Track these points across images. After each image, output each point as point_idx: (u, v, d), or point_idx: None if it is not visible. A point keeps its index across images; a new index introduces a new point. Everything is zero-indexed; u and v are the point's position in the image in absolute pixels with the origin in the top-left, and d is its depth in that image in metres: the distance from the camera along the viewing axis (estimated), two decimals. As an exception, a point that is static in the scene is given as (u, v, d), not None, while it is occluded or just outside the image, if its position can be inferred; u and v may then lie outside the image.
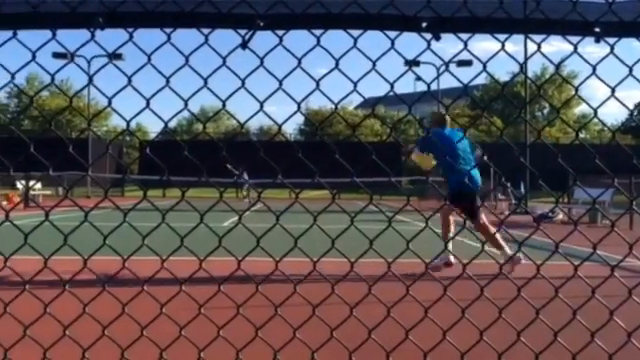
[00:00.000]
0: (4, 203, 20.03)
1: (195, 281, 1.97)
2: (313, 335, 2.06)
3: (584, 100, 2.01)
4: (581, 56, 1.89)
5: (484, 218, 6.55)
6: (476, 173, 6.72)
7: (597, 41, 1.84)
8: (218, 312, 2.09)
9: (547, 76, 46.97)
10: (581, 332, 2.01)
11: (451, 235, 6.65)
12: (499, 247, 6.41)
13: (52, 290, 1.91)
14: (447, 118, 7.16)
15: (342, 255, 1.95)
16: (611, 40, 1.88)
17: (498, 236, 6.46)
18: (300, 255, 1.96)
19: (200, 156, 2.05)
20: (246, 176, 27.28)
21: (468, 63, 27.56)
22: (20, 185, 22.89)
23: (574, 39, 1.92)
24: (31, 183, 22.17)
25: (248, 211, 2.19)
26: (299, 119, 51.33)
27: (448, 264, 6.53)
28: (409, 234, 1.86)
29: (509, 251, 6.28)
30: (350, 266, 1.88)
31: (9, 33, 1.76)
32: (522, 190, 21.66)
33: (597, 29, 1.86)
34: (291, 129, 52.31)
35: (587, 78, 1.88)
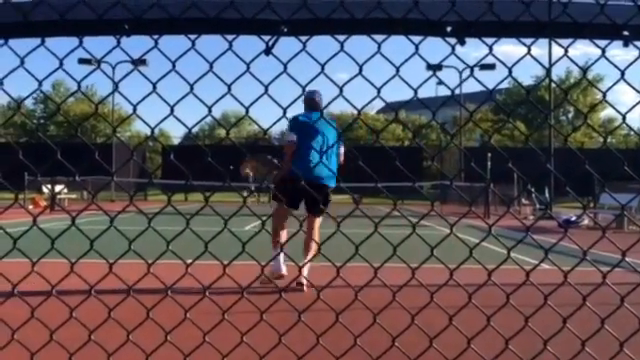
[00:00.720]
0: (30, 207, 20.38)
1: (218, 286, 1.97)
2: (335, 341, 2.05)
3: (612, 106, 1.98)
4: (609, 60, 1.86)
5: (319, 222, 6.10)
6: (332, 168, 6.04)
7: (626, 45, 1.80)
8: (241, 317, 2.10)
9: (571, 80, 46.44)
10: (609, 341, 1.96)
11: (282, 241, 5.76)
12: (306, 253, 5.81)
13: (78, 295, 1.93)
14: (317, 100, 6.11)
15: (365, 261, 1.93)
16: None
17: (314, 248, 5.83)
18: (323, 260, 1.95)
19: (222, 161, 2.06)
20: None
21: (491, 67, 27.34)
22: (46, 189, 23.27)
23: (601, 43, 1.89)
24: (57, 187, 22.52)
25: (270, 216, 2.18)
26: (320, 124, 51.22)
27: (280, 276, 5.69)
28: (432, 239, 1.84)
29: (305, 273, 5.43)
30: (374, 273, 1.87)
31: (37, 40, 1.79)
32: (547, 195, 21.41)
33: (626, 32, 1.83)
34: (312, 134, 52.28)
35: (616, 83, 1.84)
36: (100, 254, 1.90)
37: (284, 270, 5.70)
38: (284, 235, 5.94)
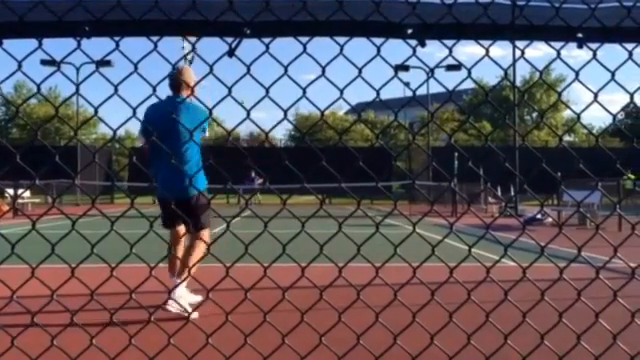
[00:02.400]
0: (-8, 212, 19.89)
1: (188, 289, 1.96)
2: (303, 341, 2.06)
3: (567, 105, 2.04)
4: (564, 61, 1.91)
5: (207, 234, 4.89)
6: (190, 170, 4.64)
7: (580, 46, 1.86)
8: (207, 320, 2.09)
9: (536, 79, 47.34)
10: (568, 334, 2.02)
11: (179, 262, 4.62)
12: (182, 270, 4.40)
13: (40, 300, 1.91)
14: (189, 78, 4.59)
15: (330, 260, 1.95)
16: (594, 45, 1.91)
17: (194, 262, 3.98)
18: (289, 261, 1.96)
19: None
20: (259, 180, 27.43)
21: (457, 67, 27.72)
22: (8, 194, 22.73)
23: (558, 44, 1.94)
24: (20, 191, 22.01)
25: (238, 217, 2.18)
26: (289, 124, 51.28)
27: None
28: (399, 238, 1.86)
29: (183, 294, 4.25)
30: (338, 272, 1.89)
31: (-5, 42, 1.76)
32: (512, 193, 21.79)
33: (580, 34, 1.89)
34: (281, 134, 52.31)
35: (570, 84, 1.90)
36: (62, 258, 1.88)
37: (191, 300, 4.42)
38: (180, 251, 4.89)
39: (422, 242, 2.14)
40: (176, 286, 4.15)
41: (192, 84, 4.46)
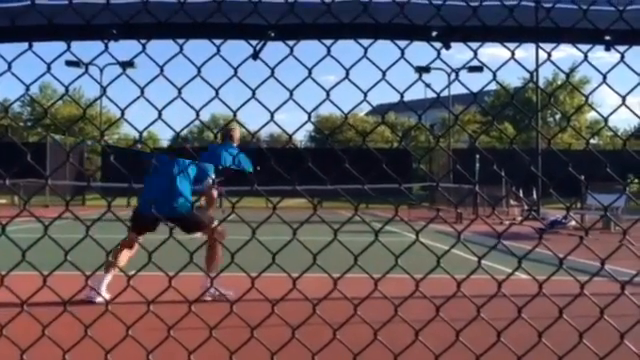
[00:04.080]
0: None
1: (163, 299, 1.87)
2: (294, 358, 1.98)
3: (594, 109, 2.01)
4: (591, 64, 1.89)
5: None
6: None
7: (607, 49, 1.84)
8: (187, 333, 1.95)
9: (559, 81, 46.81)
10: (589, 356, 1.90)
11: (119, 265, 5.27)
12: (210, 265, 5.52)
13: (9, 309, 1.83)
14: (234, 134, 6.49)
15: (324, 271, 1.78)
16: (621, 48, 1.88)
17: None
18: (279, 271, 1.80)
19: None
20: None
21: (479, 69, 27.50)
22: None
23: (584, 47, 1.92)
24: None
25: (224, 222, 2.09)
26: (310, 126, 51.35)
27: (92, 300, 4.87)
28: (399, 246, 1.73)
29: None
30: (334, 284, 1.76)
31: (24, 45, 1.79)
32: (534, 196, 21.56)
33: (607, 37, 1.86)
34: (302, 136, 52.41)
35: (597, 87, 1.88)
36: (33, 265, 1.74)
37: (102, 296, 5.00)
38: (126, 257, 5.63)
39: (424, 251, 1.97)
40: (213, 279, 4.65)
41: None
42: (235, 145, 6.45)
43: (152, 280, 1.86)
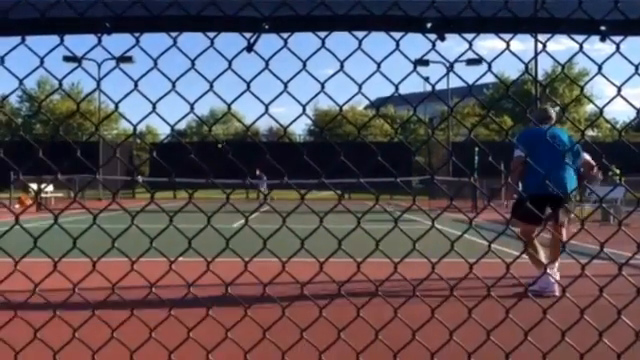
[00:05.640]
0: (17, 206, 20.21)
1: (203, 284, 1.98)
2: (321, 335, 2.06)
3: (590, 100, 2.01)
4: (587, 55, 1.89)
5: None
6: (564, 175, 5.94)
7: (602, 40, 1.83)
8: (226, 312, 2.10)
9: (558, 73, 46.71)
10: (589, 331, 2.00)
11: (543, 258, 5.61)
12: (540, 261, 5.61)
13: (61, 293, 1.93)
14: (550, 114, 6.32)
15: (349, 256, 1.95)
16: (617, 38, 1.87)
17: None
18: (308, 256, 1.96)
19: (208, 157, 2.06)
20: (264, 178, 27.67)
21: (477, 61, 27.45)
22: (31, 188, 23.08)
23: (580, 38, 1.91)
24: (43, 186, 22.35)
25: (257, 212, 2.18)
26: (308, 120, 51.28)
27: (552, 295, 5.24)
28: (417, 233, 1.86)
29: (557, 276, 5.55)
30: (357, 267, 1.89)
31: (17, 39, 1.78)
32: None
33: (603, 27, 1.85)
34: (300, 130, 52.37)
35: (593, 77, 1.87)
36: (83, 252, 1.90)
37: (557, 290, 5.15)
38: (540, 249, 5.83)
39: (441, 237, 2.13)
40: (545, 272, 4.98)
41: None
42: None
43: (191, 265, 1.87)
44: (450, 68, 1.88)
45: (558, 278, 5.47)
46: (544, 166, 5.48)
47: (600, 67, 1.84)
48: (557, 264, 5.64)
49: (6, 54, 1.77)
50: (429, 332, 2.01)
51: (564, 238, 5.77)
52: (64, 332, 2.02)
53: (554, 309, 1.96)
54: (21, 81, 1.80)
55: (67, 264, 1.98)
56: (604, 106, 1.83)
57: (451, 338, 1.95)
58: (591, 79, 1.92)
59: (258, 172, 28.38)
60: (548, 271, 5.17)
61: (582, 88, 1.85)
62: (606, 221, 14.60)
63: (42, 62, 1.78)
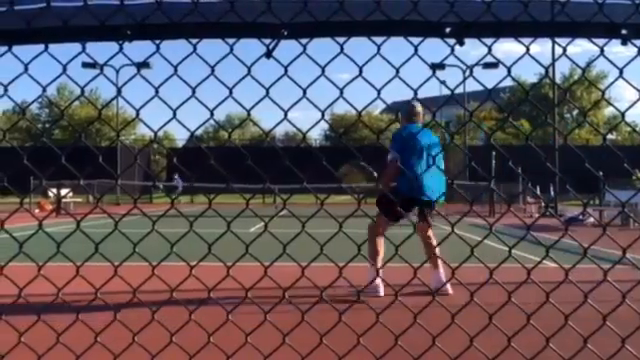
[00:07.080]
0: (37, 211, 20.46)
1: (223, 287, 1.99)
2: (339, 339, 2.06)
3: (611, 103, 1.99)
4: (608, 59, 1.87)
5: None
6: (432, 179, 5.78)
7: (624, 43, 1.81)
8: (245, 318, 2.11)
9: (575, 77, 46.27)
10: (611, 338, 1.97)
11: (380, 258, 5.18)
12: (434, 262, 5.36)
13: (84, 296, 1.96)
14: (418, 110, 6.21)
15: (367, 260, 1.94)
16: (638, 42, 1.85)
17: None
18: (326, 261, 1.96)
19: (227, 163, 2.07)
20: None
21: (494, 65, 27.28)
22: (52, 193, 23.37)
23: (600, 41, 1.89)
24: (63, 191, 22.62)
25: (275, 217, 2.19)
26: (324, 124, 51.34)
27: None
28: (437, 238, 1.85)
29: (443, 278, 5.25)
30: (376, 272, 1.88)
31: (40, 47, 1.81)
32: (552, 193, 21.36)
33: (624, 31, 1.84)
34: (316, 134, 52.40)
35: (614, 81, 1.85)
36: (105, 257, 1.92)
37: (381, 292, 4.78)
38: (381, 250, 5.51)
39: (460, 242, 2.12)
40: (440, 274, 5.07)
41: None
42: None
43: (211, 270, 1.88)
44: (470, 72, 1.87)
45: (444, 279, 5.18)
46: (416, 169, 5.59)
47: (621, 71, 1.83)
48: (441, 268, 5.27)
49: (30, 62, 1.80)
50: (448, 338, 2.00)
51: (434, 242, 5.41)
52: (85, 336, 2.04)
53: (575, 316, 1.93)
54: (44, 88, 1.83)
55: (87, 268, 2.01)
56: (626, 110, 1.81)
57: (471, 344, 1.93)
58: (612, 83, 1.90)
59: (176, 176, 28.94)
60: (437, 273, 5.11)
61: (603, 92, 1.84)
62: (626, 225, 14.40)
63: (65, 69, 1.81)
